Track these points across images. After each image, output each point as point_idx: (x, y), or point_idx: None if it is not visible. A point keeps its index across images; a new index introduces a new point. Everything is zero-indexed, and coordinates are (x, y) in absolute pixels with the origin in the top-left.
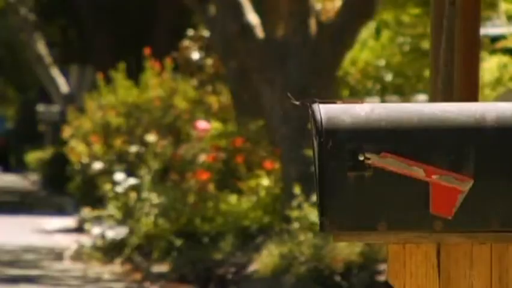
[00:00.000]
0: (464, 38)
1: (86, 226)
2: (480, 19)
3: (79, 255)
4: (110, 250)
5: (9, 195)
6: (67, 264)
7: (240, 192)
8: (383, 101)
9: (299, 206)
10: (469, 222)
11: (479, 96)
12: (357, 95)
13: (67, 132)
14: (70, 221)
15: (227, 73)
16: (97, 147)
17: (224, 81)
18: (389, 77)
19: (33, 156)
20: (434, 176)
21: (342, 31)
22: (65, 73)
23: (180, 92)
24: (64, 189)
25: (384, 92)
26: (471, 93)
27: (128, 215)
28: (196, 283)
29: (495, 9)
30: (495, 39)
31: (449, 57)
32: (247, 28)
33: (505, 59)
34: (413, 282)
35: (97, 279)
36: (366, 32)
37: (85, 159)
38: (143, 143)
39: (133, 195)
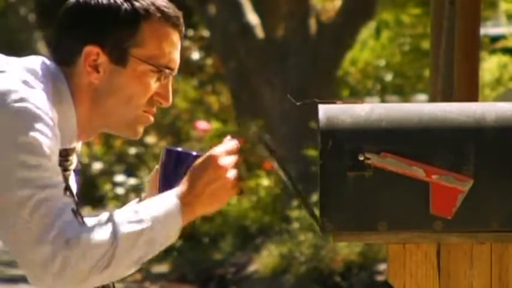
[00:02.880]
0: (464, 38)
1: None
2: (480, 19)
3: None
4: None
5: None
6: None
7: (240, 192)
8: (383, 101)
9: (299, 206)
10: (469, 222)
11: (479, 96)
12: (357, 95)
13: None
14: None
15: (227, 73)
16: (97, 148)
17: (224, 81)
18: (389, 77)
19: None
20: (434, 176)
21: (342, 31)
22: None
23: (180, 92)
24: None
25: (384, 92)
26: (471, 93)
27: None
28: (196, 283)
29: (495, 9)
30: (495, 39)
31: (449, 57)
32: (247, 28)
33: (505, 59)
34: (413, 282)
35: None
36: (366, 32)
37: (85, 160)
38: (143, 144)
39: (133, 195)
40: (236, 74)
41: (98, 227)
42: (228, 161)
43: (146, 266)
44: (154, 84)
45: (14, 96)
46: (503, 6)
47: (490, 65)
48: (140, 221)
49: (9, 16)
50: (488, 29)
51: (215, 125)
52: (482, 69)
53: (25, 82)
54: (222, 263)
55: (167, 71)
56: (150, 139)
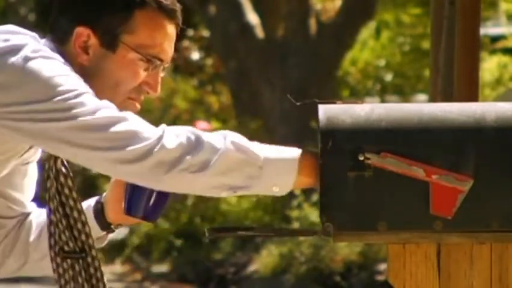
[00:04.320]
0: (464, 38)
1: None
2: (480, 19)
3: None
4: (110, 250)
5: None
6: None
7: None
8: (383, 101)
9: (299, 206)
10: (469, 222)
11: (479, 96)
12: (357, 95)
13: None
14: None
15: (227, 73)
16: None
17: (224, 81)
18: (389, 77)
19: None
20: (434, 176)
21: (342, 31)
22: None
23: (180, 92)
24: None
25: (384, 92)
26: (471, 93)
27: None
28: (196, 283)
29: (495, 9)
30: (495, 39)
31: (449, 57)
32: (247, 28)
33: (505, 59)
34: (413, 282)
35: None
36: (366, 32)
37: None
38: None
39: None
40: (236, 74)
41: (214, 135)
42: None
43: (146, 266)
44: (142, 73)
45: (28, 48)
46: (503, 6)
47: (490, 65)
48: (253, 154)
49: (9, 16)
50: (488, 29)
51: (215, 125)
52: (482, 69)
53: (34, 37)
54: (222, 263)
55: (157, 61)
56: None
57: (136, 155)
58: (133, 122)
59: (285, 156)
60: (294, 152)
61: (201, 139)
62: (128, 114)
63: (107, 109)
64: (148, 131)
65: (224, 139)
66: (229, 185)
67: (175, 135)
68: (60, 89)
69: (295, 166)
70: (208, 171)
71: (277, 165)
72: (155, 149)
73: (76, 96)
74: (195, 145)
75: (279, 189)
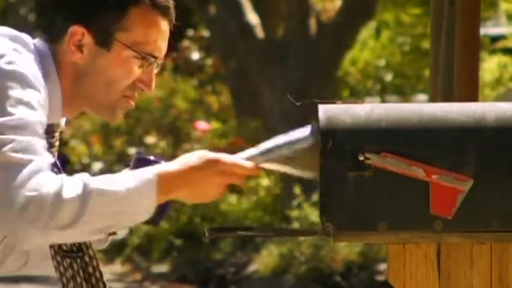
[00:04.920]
0: (464, 38)
1: None
2: (480, 19)
3: None
4: (110, 250)
5: None
6: None
7: (240, 192)
8: (383, 101)
9: (299, 206)
10: (469, 222)
11: (479, 96)
12: (357, 95)
13: (66, 132)
14: None
15: (227, 73)
16: (97, 148)
17: (224, 81)
18: (389, 77)
19: None
20: (434, 176)
21: (342, 31)
22: None
23: (180, 92)
24: None
25: (384, 92)
26: (471, 93)
27: None
28: (196, 283)
29: (495, 9)
30: (495, 39)
31: (449, 57)
32: (247, 28)
33: (505, 59)
34: (413, 282)
35: None
36: (366, 32)
37: (85, 160)
38: (143, 144)
39: None
40: (236, 74)
41: (73, 186)
42: (234, 167)
43: (146, 266)
44: (137, 70)
45: (3, 60)
46: (503, 6)
47: (490, 65)
48: (112, 192)
49: (9, 16)
50: (488, 29)
51: (215, 125)
52: (482, 69)
53: (14, 50)
54: (222, 263)
55: (151, 58)
56: (150, 139)
57: (18, 205)
58: (38, 171)
59: (141, 183)
60: (150, 175)
61: (66, 193)
62: (42, 162)
63: (31, 148)
64: (36, 185)
65: (86, 186)
66: (99, 228)
67: (49, 190)
68: (5, 111)
69: (154, 189)
70: (78, 223)
71: (137, 194)
72: (31, 204)
73: (13, 127)
74: (62, 200)
75: (141, 217)
